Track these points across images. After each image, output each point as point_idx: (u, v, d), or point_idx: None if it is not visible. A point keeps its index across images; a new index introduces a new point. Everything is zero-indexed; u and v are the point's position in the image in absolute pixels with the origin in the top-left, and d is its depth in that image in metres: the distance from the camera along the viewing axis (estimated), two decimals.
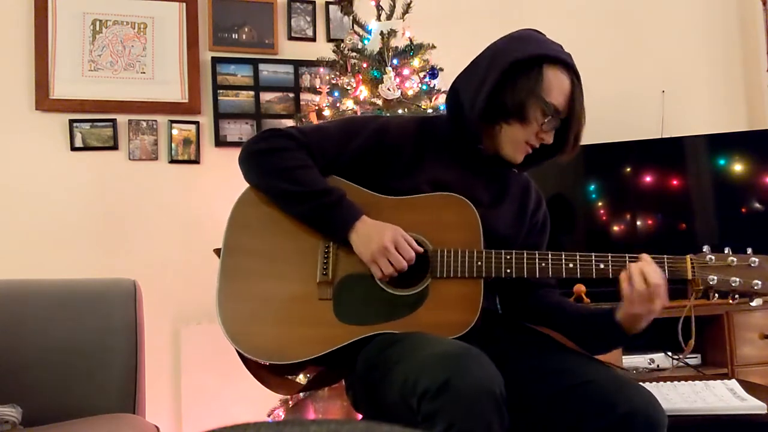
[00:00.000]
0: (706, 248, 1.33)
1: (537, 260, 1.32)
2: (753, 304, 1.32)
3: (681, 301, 1.35)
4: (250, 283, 1.38)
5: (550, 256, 1.33)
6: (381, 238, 1.31)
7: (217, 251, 1.42)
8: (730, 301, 1.31)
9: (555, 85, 1.36)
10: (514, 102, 1.36)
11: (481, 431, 1.05)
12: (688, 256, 1.31)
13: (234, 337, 1.33)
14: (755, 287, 1.29)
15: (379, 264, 1.32)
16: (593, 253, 1.30)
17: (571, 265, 1.31)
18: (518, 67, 1.35)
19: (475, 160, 1.45)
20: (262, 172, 1.42)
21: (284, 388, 1.46)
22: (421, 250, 1.34)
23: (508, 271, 1.32)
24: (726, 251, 1.32)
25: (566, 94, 1.37)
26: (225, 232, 1.42)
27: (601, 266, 1.30)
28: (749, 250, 1.32)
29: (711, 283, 1.30)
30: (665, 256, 1.31)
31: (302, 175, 1.38)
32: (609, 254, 1.30)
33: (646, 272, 1.25)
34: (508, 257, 1.33)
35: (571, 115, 1.37)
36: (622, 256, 1.30)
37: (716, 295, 1.31)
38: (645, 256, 1.28)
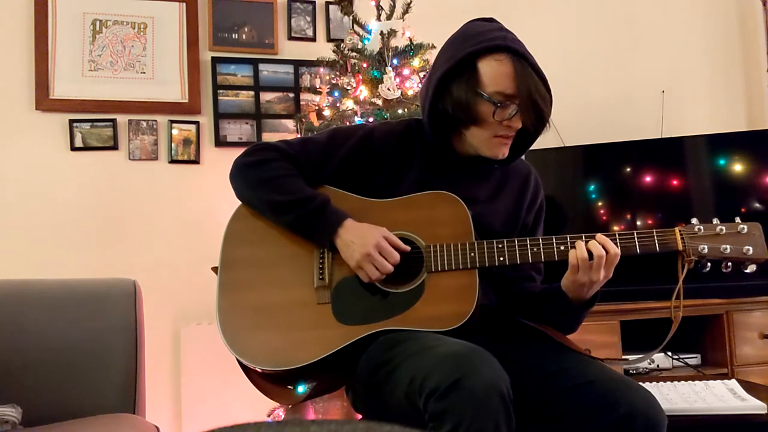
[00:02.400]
0: (694, 220, 1.34)
1: (528, 246, 1.34)
2: (747, 271, 1.32)
3: (674, 302, 1.34)
4: (248, 294, 1.38)
5: (541, 241, 1.34)
6: (364, 244, 1.32)
7: (215, 269, 1.43)
8: (723, 270, 1.32)
9: (493, 73, 1.32)
10: (456, 108, 1.36)
11: (490, 430, 1.05)
12: (676, 228, 1.33)
13: (236, 349, 1.33)
14: (747, 253, 1.30)
15: (365, 269, 1.33)
16: (583, 234, 1.32)
17: (562, 248, 1.32)
18: (452, 73, 1.35)
19: (458, 163, 1.45)
20: (248, 184, 1.44)
21: (286, 398, 1.46)
22: (407, 249, 1.35)
23: (501, 259, 1.33)
24: (714, 221, 1.34)
25: (510, 75, 1.32)
26: (221, 248, 1.43)
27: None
28: (737, 219, 1.34)
29: (703, 252, 1.31)
30: (654, 229, 1.33)
31: (286, 183, 1.40)
32: (595, 233, 1.31)
33: (590, 246, 1.27)
34: (500, 246, 1.34)
35: (521, 93, 1.32)
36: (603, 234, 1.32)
37: (708, 265, 1.32)
38: (599, 235, 1.30)
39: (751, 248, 1.30)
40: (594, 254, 1.27)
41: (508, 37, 1.36)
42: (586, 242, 1.30)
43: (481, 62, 1.34)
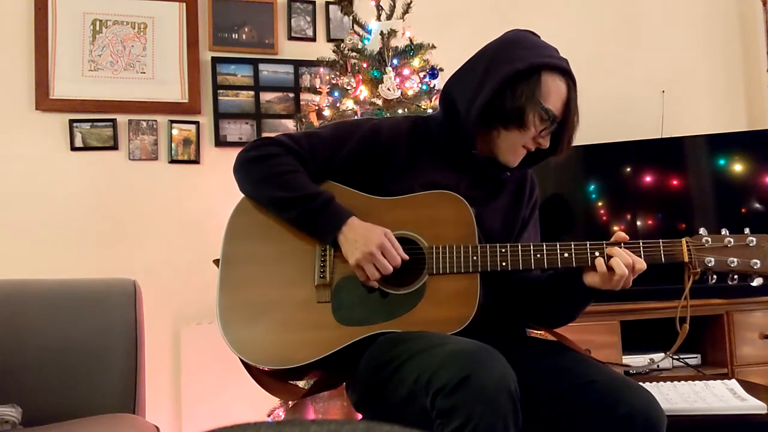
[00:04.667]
0: (702, 230, 1.32)
1: (532, 251, 1.33)
2: (753, 284, 1.29)
3: (677, 302, 1.34)
4: (249, 290, 1.38)
5: (545, 246, 1.33)
6: (367, 243, 1.31)
7: (217, 262, 1.42)
8: (729, 282, 1.29)
9: (553, 91, 1.37)
10: (514, 108, 1.36)
11: (499, 427, 1.05)
12: (683, 239, 1.31)
13: (235, 345, 1.33)
14: (754, 266, 1.27)
15: (365, 269, 1.32)
16: (587, 242, 1.31)
17: (566, 255, 1.32)
18: (520, 75, 1.36)
19: (470, 163, 1.45)
20: (252, 180, 1.43)
21: (287, 394, 1.46)
22: (407, 257, 1.34)
23: (504, 264, 1.33)
24: (723, 232, 1.31)
25: (563, 99, 1.39)
26: (222, 242, 1.43)
27: (596, 254, 1.30)
28: (746, 230, 1.31)
29: (709, 264, 1.29)
30: (661, 240, 1.31)
31: (290, 180, 1.39)
32: (603, 242, 1.31)
33: (612, 264, 1.27)
34: (503, 250, 1.33)
35: (566, 119, 1.40)
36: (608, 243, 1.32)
37: (714, 277, 1.30)
38: (616, 249, 1.28)
39: (759, 262, 1.27)
40: (617, 273, 1.27)
41: (566, 60, 1.41)
42: (592, 252, 1.29)
43: (545, 74, 1.37)
